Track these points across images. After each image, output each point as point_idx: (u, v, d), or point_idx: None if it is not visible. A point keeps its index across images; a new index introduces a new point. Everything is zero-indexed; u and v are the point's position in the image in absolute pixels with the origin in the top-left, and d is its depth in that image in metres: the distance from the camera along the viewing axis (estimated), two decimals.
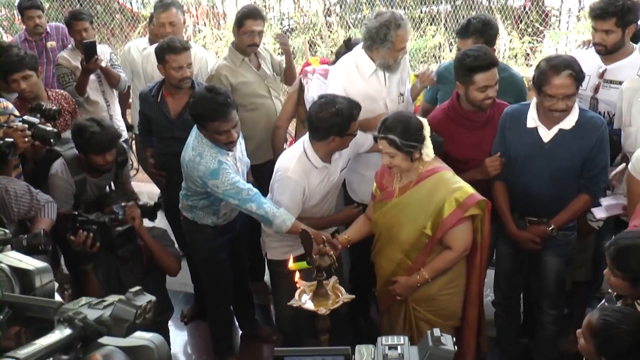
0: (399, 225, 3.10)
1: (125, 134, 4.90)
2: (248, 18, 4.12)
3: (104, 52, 4.81)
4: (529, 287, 3.68)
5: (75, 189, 3.46)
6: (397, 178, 3.13)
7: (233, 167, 3.38)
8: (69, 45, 4.96)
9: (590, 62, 3.68)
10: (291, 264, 2.87)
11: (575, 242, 3.41)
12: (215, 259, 3.72)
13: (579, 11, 7.45)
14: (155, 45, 4.06)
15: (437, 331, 1.28)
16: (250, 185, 3.32)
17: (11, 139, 3.00)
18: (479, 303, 3.29)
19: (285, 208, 3.27)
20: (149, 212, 3.27)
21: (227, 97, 3.25)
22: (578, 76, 2.96)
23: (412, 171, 3.04)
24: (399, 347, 1.26)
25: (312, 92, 3.91)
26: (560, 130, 3.09)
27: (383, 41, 3.47)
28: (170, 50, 3.76)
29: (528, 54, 7.48)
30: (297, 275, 2.85)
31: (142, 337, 1.22)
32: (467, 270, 3.19)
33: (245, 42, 4.16)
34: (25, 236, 2.63)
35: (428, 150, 2.98)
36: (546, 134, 3.13)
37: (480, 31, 3.54)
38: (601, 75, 3.67)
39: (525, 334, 3.87)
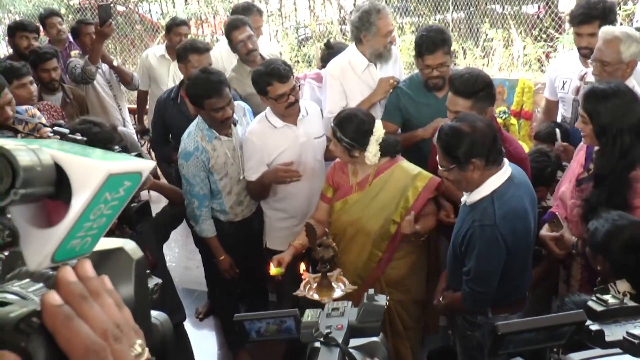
0: (366, 218, 3.16)
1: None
2: (233, 30, 4.14)
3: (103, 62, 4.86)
4: None
5: None
6: (353, 174, 3.19)
7: (224, 155, 3.47)
8: (78, 52, 5.08)
9: (572, 65, 3.85)
10: (272, 270, 2.99)
11: None
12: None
13: None
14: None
15: (371, 291, 1.47)
16: (206, 188, 3.47)
17: None
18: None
19: (247, 166, 3.48)
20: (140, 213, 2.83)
21: (220, 76, 3.37)
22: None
23: (367, 165, 3.11)
24: (341, 307, 1.41)
25: (305, 96, 4.01)
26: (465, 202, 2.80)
27: (368, 27, 3.58)
28: (193, 50, 3.91)
29: (541, 60, 7.53)
30: (303, 267, 2.96)
31: None
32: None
33: (242, 53, 4.17)
34: None
35: (370, 155, 3.05)
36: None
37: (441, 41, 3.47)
38: (582, 78, 3.77)
39: None
